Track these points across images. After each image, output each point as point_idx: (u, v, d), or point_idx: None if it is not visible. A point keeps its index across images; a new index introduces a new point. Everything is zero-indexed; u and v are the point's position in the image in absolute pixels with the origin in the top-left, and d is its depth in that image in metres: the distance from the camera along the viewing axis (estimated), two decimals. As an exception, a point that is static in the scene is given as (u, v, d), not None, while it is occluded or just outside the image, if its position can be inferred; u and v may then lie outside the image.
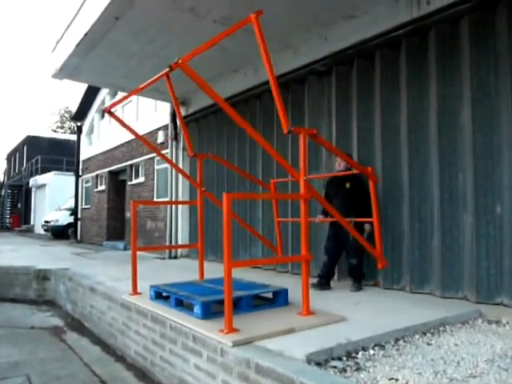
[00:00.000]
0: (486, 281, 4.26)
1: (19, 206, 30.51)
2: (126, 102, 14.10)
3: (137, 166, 13.08)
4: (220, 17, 5.67)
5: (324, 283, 5.01)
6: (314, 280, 4.97)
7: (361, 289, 4.97)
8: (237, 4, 5.34)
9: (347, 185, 5.01)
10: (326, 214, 5.06)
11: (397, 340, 3.20)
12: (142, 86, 4.31)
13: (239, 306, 3.69)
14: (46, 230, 19.90)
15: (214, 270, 5.15)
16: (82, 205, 17.42)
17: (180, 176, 9.45)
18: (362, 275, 5.05)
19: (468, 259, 4.42)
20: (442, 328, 3.54)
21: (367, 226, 4.85)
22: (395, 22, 5.00)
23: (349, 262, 5.06)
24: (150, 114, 12.08)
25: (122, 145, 13.57)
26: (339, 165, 5.12)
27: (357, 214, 4.83)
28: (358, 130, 5.62)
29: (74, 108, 23.38)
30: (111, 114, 4.95)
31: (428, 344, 3.15)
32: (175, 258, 9.33)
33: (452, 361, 2.78)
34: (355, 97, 5.69)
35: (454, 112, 4.61)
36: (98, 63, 7.41)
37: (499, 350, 2.99)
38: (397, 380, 2.47)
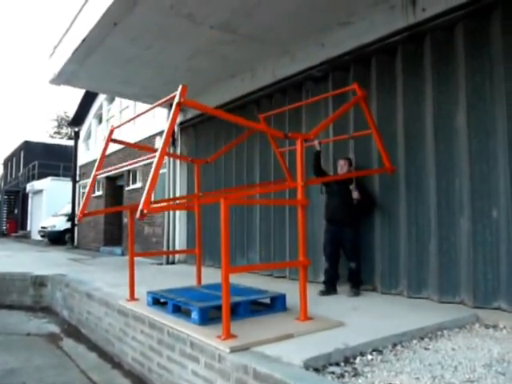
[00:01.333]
0: (483, 285, 4.27)
1: (16, 211, 30.33)
2: (123, 107, 14.16)
3: (134, 171, 13.06)
4: (217, 23, 5.70)
5: (331, 289, 5.09)
6: (320, 286, 5.20)
7: (359, 294, 4.98)
8: (235, 10, 5.37)
9: (350, 186, 5.15)
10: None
11: (394, 345, 3.20)
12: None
13: (237, 311, 3.68)
14: (42, 236, 19.77)
15: (212, 276, 5.14)
16: (79, 210, 17.35)
17: (178, 181, 9.46)
18: (360, 281, 5.09)
19: (465, 264, 4.43)
20: (439, 333, 3.55)
21: (355, 194, 5.06)
22: (391, 28, 5.04)
23: (348, 265, 5.08)
24: (147, 119, 12.08)
25: (120, 150, 13.54)
26: (341, 169, 5.26)
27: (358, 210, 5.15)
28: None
29: (71, 113, 23.35)
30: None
31: (425, 349, 3.15)
32: (173, 263, 9.30)
33: (449, 365, 2.78)
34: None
35: (450, 117, 4.64)
36: (95, 69, 7.43)
37: (496, 355, 3.00)
38: (395, 385, 2.47)
